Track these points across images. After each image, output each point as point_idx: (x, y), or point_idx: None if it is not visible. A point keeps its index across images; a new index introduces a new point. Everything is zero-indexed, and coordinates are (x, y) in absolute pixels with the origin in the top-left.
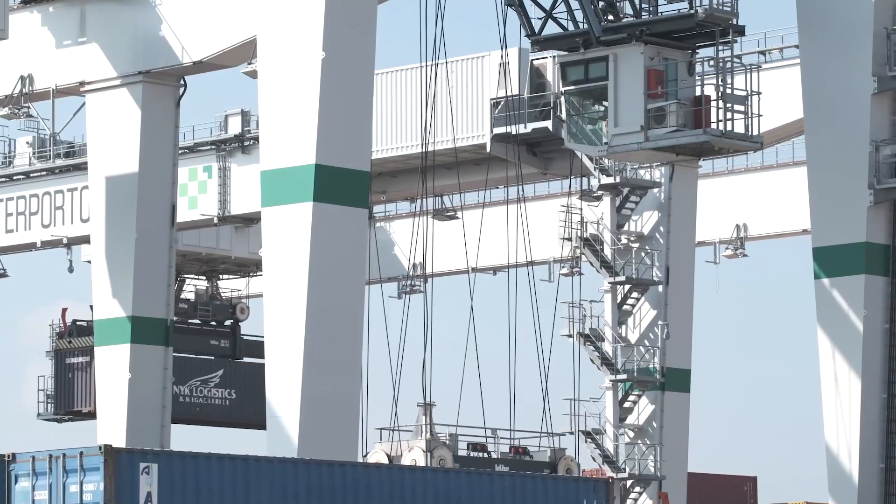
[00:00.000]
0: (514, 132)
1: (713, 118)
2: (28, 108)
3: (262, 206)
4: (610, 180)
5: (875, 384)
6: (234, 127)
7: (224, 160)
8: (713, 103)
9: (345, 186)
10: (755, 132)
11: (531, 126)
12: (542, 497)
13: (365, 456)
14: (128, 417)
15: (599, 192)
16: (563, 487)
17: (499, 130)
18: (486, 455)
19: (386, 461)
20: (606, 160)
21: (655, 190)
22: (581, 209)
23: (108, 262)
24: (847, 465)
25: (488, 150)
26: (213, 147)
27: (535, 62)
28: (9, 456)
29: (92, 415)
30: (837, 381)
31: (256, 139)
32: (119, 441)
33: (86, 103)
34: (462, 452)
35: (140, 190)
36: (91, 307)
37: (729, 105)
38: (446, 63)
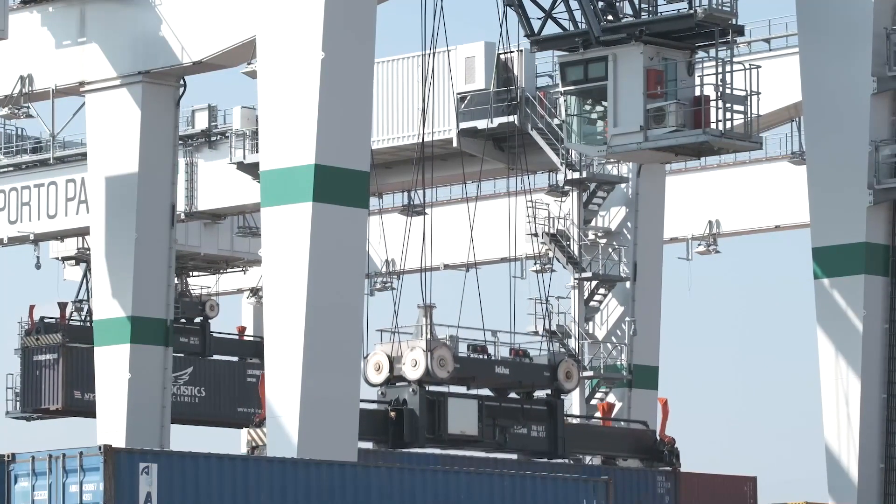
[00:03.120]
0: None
1: (712, 118)
2: (28, 108)
3: (262, 206)
4: (576, 175)
5: (875, 384)
6: (201, 122)
7: (191, 156)
8: (712, 103)
9: (344, 186)
10: (754, 132)
11: (497, 121)
12: (541, 497)
13: (365, 358)
14: (127, 417)
15: (566, 188)
16: (562, 487)
17: (465, 125)
18: (486, 357)
19: (387, 362)
20: (572, 155)
21: (623, 185)
22: (548, 205)
23: (108, 262)
24: (847, 465)
25: (454, 144)
26: (179, 142)
27: (501, 56)
28: (8, 456)
29: (60, 413)
30: (837, 381)
31: (223, 134)
32: (118, 441)
33: (85, 103)
34: (462, 354)
35: (140, 190)
36: (59, 304)
37: (728, 105)
38: (418, 57)
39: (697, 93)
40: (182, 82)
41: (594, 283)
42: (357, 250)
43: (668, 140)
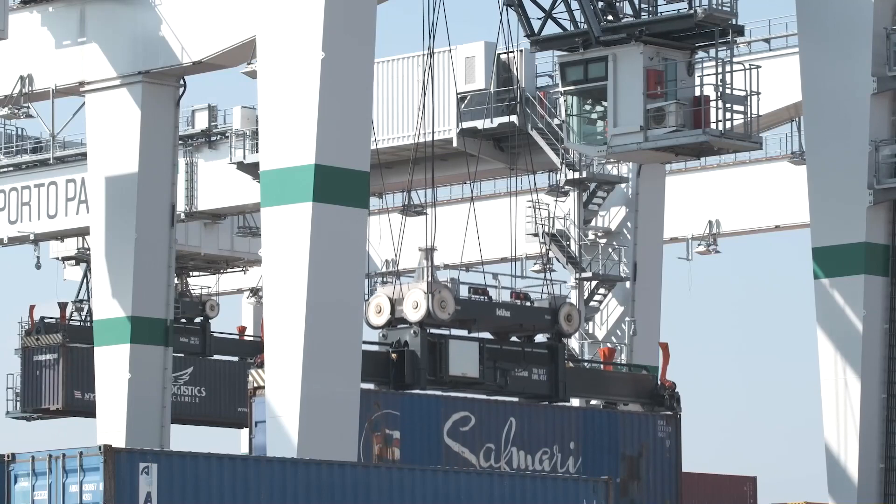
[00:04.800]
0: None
1: (712, 118)
2: (28, 108)
3: (262, 206)
4: (576, 175)
5: (875, 384)
6: (201, 122)
7: (191, 155)
8: (712, 103)
9: (345, 186)
10: (754, 132)
11: (497, 121)
12: (541, 497)
13: (367, 300)
14: (127, 417)
15: (566, 188)
16: (562, 487)
17: (465, 125)
18: (487, 299)
19: (388, 304)
20: (572, 154)
21: (623, 185)
22: (548, 205)
23: (108, 262)
24: (847, 465)
25: (454, 144)
26: (179, 142)
27: (501, 56)
28: (8, 456)
29: (60, 413)
30: (837, 381)
31: (223, 134)
32: (118, 441)
33: (85, 103)
34: (463, 296)
35: (140, 190)
36: (59, 304)
37: (728, 105)
38: (417, 57)
39: (697, 93)
40: (182, 82)
41: (594, 283)
42: (357, 250)
43: (668, 140)
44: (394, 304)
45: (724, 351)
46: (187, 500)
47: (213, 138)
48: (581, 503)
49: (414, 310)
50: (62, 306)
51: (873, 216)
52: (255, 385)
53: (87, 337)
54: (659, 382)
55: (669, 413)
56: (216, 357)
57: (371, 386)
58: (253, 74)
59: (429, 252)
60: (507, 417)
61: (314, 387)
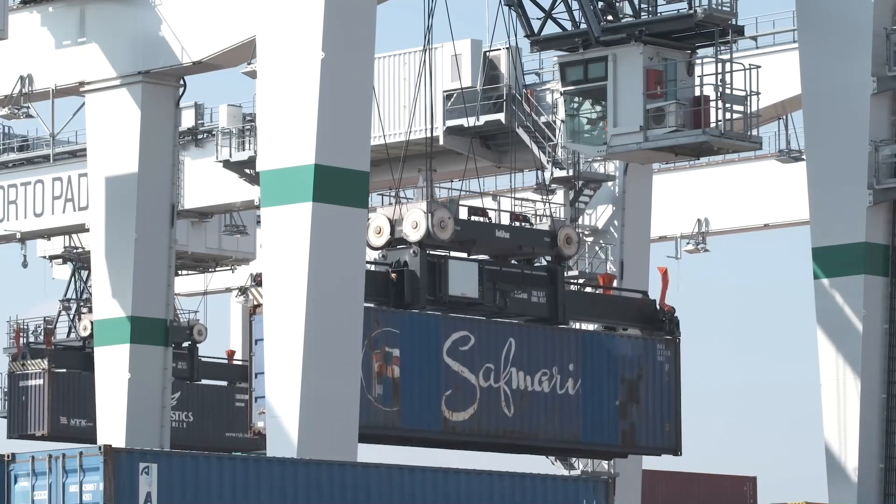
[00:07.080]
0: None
1: (712, 118)
2: (28, 108)
3: (262, 206)
4: (563, 173)
5: (875, 384)
6: (188, 120)
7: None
8: (712, 103)
9: (344, 186)
10: (754, 132)
11: (484, 118)
12: (541, 497)
13: (367, 221)
14: (127, 417)
15: (553, 186)
16: (562, 487)
17: (452, 123)
18: (486, 220)
19: (388, 225)
20: (559, 152)
21: (610, 183)
22: (535, 202)
23: (108, 262)
24: (847, 465)
25: (441, 142)
26: None
27: (488, 54)
28: (8, 456)
29: (46, 438)
30: (837, 381)
31: (209, 132)
32: (118, 441)
33: (85, 103)
34: (462, 216)
35: (140, 190)
36: (45, 320)
37: (728, 105)
38: (404, 55)
39: (697, 93)
40: (182, 82)
41: (581, 281)
42: (357, 250)
43: (668, 140)
44: (393, 224)
45: (714, 350)
46: (187, 500)
47: (199, 136)
48: (581, 503)
49: (413, 230)
50: (48, 332)
51: (873, 216)
52: (255, 303)
53: (73, 361)
54: (658, 307)
55: (669, 337)
56: (204, 382)
57: (371, 305)
58: (253, 74)
59: (428, 173)
60: (506, 338)
61: (314, 387)
